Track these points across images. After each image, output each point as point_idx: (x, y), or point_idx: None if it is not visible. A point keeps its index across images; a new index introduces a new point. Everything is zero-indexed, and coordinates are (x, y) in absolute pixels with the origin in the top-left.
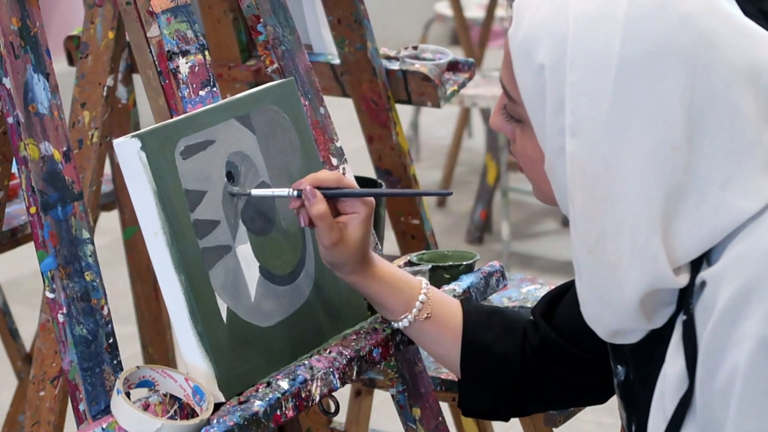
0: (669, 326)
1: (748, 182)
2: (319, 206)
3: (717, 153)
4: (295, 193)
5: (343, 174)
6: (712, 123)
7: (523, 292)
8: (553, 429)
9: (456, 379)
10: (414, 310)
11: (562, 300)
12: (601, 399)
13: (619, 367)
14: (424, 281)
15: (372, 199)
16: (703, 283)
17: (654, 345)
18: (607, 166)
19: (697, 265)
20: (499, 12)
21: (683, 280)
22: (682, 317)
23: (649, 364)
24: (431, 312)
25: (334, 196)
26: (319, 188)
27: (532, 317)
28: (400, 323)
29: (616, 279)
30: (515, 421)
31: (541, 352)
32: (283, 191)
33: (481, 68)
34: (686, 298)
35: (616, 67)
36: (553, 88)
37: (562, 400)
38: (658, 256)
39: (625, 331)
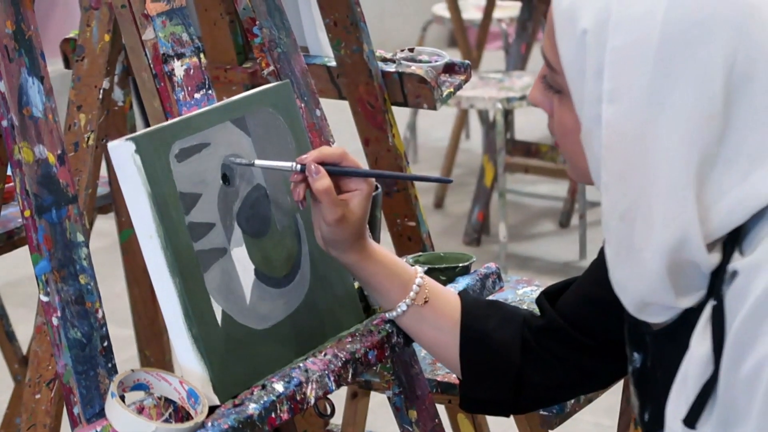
0: (696, 312)
1: None
2: (323, 181)
3: (751, 126)
4: (298, 167)
5: None
6: (750, 95)
7: (519, 293)
8: (549, 431)
9: (453, 382)
10: (411, 293)
11: (567, 290)
12: (603, 383)
13: (635, 354)
14: (419, 268)
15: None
16: (735, 273)
17: (679, 331)
18: (644, 133)
19: (728, 253)
20: (497, 14)
21: (714, 259)
22: (711, 302)
23: (672, 350)
24: (429, 296)
25: (337, 174)
26: (322, 164)
27: (536, 303)
28: (398, 309)
29: (647, 243)
30: (511, 424)
31: (545, 335)
32: (286, 164)
33: (478, 70)
34: (717, 285)
35: (658, 36)
36: (594, 53)
37: (562, 386)
38: (691, 221)
39: (652, 304)
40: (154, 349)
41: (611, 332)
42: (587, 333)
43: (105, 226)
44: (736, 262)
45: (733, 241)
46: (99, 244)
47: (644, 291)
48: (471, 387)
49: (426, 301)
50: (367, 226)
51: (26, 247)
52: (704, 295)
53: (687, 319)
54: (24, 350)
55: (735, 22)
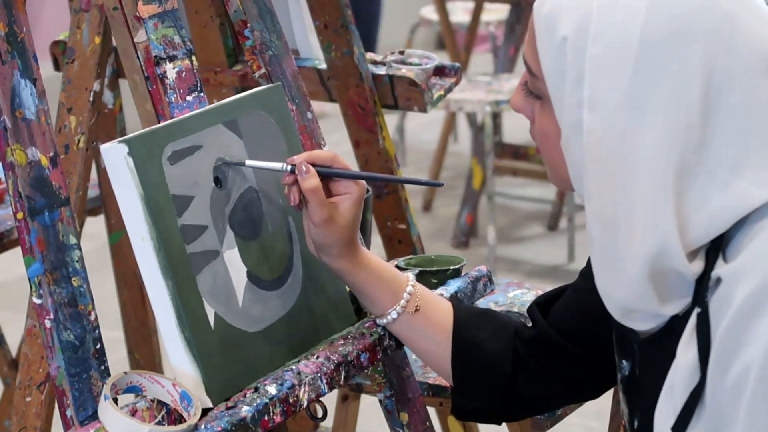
0: (682, 320)
1: (758, 169)
2: (311, 181)
3: (730, 135)
4: (289, 167)
5: None
6: (728, 105)
7: (510, 296)
8: None
9: (444, 384)
10: (402, 302)
11: (558, 300)
12: (593, 393)
13: (624, 362)
14: (411, 275)
15: (364, 181)
16: (719, 280)
17: (665, 338)
18: (623, 141)
19: (712, 260)
20: (485, 17)
21: (696, 267)
22: (696, 310)
23: (659, 358)
24: (420, 305)
25: (327, 175)
26: (313, 165)
27: (527, 314)
28: (389, 316)
29: (628, 250)
30: (503, 428)
31: (536, 346)
32: (277, 165)
33: (466, 73)
34: (701, 293)
35: (637, 44)
36: (574, 61)
37: (554, 396)
38: (670, 231)
39: (636, 311)
40: (144, 351)
41: (602, 342)
42: (578, 343)
43: (94, 228)
44: (720, 269)
45: (717, 248)
46: (88, 246)
47: (628, 298)
48: (462, 397)
49: (417, 309)
50: (362, 241)
51: (15, 250)
52: (689, 302)
53: (673, 327)
54: (13, 353)
55: (713, 32)
